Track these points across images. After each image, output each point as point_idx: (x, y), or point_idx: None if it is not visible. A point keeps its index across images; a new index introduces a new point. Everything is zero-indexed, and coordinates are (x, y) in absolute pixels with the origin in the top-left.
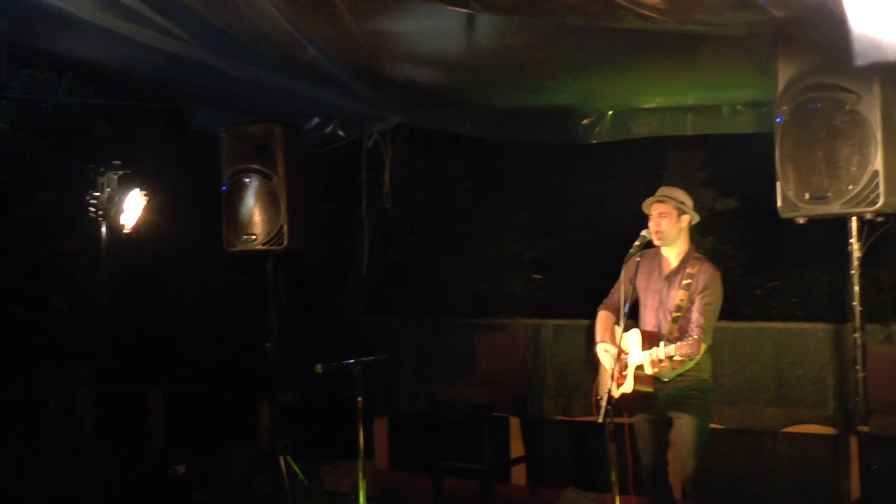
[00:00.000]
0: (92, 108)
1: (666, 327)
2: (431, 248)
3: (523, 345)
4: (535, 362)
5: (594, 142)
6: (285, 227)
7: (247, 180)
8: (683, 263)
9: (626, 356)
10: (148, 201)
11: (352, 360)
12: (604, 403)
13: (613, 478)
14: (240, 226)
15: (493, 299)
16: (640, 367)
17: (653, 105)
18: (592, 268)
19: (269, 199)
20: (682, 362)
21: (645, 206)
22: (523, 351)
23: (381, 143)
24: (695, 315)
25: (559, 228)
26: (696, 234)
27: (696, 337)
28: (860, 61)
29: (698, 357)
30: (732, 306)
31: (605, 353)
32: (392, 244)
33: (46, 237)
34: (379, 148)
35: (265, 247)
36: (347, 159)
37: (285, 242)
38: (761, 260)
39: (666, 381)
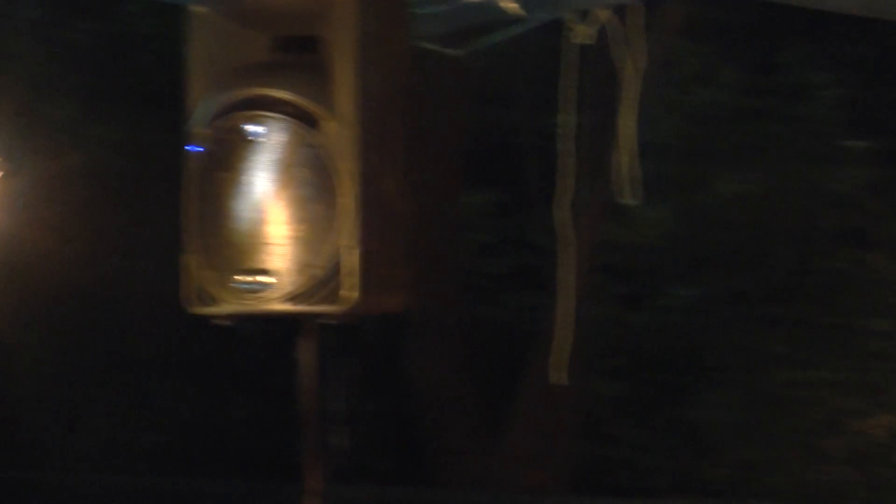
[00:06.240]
0: None
1: None
2: (746, 314)
3: None
4: None
5: None
6: (356, 258)
7: (255, 130)
8: None
9: None
10: (5, 178)
11: None
12: None
13: None
14: (230, 250)
15: None
16: None
17: None
18: None
19: (313, 183)
20: None
21: None
22: None
23: (616, 36)
24: None
25: None
26: None
27: None
28: None
29: None
30: None
31: None
32: (640, 303)
33: None
34: (608, 48)
35: (298, 306)
36: (524, 76)
37: (355, 296)
38: None
39: None
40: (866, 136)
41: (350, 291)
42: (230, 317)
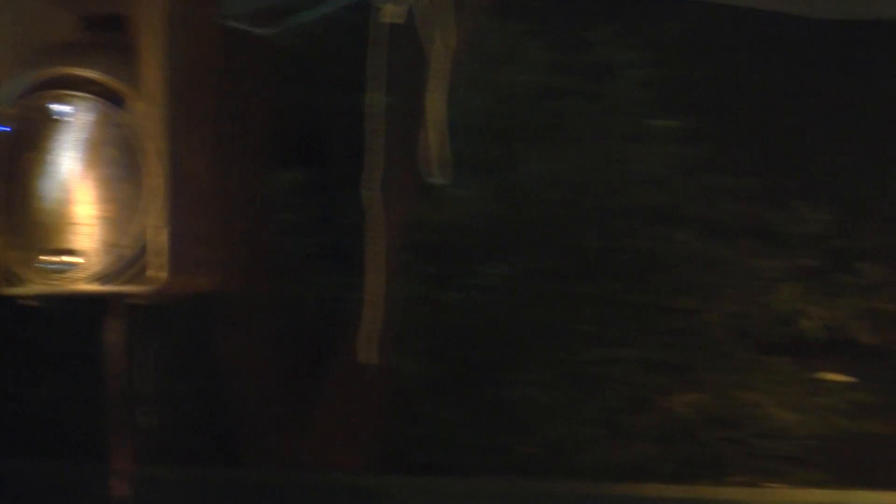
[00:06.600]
0: None
1: None
2: (556, 292)
3: None
4: None
5: None
6: (164, 237)
7: (61, 110)
8: None
9: None
10: None
11: None
12: None
13: None
14: (36, 230)
15: (714, 428)
16: None
17: None
18: None
19: (121, 162)
20: None
21: None
22: None
23: (425, 15)
24: None
25: None
26: None
27: None
28: None
29: None
30: None
31: None
32: (450, 282)
33: None
34: (415, 25)
35: (105, 286)
36: (333, 55)
37: (163, 276)
38: None
39: None
40: (673, 115)
41: (157, 271)
42: (37, 297)
